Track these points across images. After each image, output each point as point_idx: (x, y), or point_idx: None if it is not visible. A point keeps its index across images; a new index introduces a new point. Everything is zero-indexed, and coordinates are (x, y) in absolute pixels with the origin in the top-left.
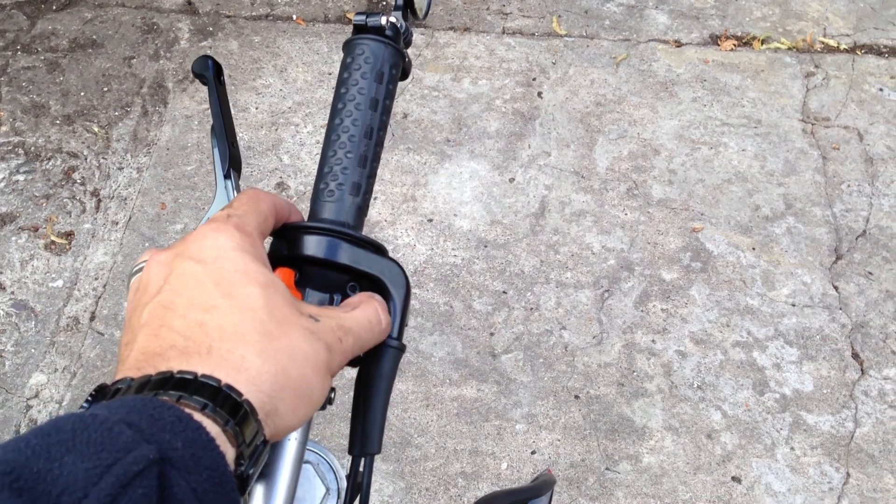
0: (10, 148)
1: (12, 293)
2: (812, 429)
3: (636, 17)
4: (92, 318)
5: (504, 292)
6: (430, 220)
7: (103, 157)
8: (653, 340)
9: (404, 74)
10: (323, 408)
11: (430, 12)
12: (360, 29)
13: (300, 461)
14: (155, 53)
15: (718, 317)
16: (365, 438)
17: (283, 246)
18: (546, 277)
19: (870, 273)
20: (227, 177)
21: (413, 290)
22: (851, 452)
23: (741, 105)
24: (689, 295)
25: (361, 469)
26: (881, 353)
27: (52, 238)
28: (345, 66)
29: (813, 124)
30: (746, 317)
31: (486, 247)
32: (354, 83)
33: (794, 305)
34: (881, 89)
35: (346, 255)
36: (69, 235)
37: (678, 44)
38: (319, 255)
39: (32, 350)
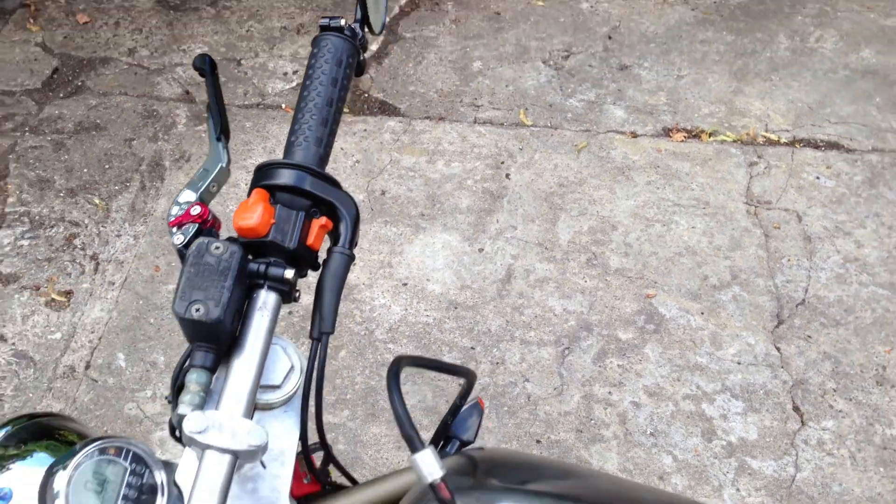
0: (16, 216)
1: (13, 344)
2: (756, 472)
3: (596, 111)
4: (87, 367)
5: (472, 348)
6: (405, 284)
7: (103, 226)
8: (609, 392)
9: (360, 70)
10: (291, 300)
11: (384, 30)
12: (324, 28)
13: (270, 333)
14: (154, 136)
15: (670, 372)
16: (321, 321)
17: (263, 177)
18: (511, 336)
19: (809, 336)
20: (218, 139)
21: (387, 345)
22: (793, 494)
23: (691, 188)
24: (643, 353)
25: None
26: (820, 406)
27: (53, 296)
28: (312, 55)
29: (756, 206)
30: (696, 373)
31: (456, 308)
32: (319, 67)
33: (739, 363)
34: (818, 177)
35: (311, 184)
36: (69, 294)
37: (634, 135)
38: (290, 183)
39: (30, 395)
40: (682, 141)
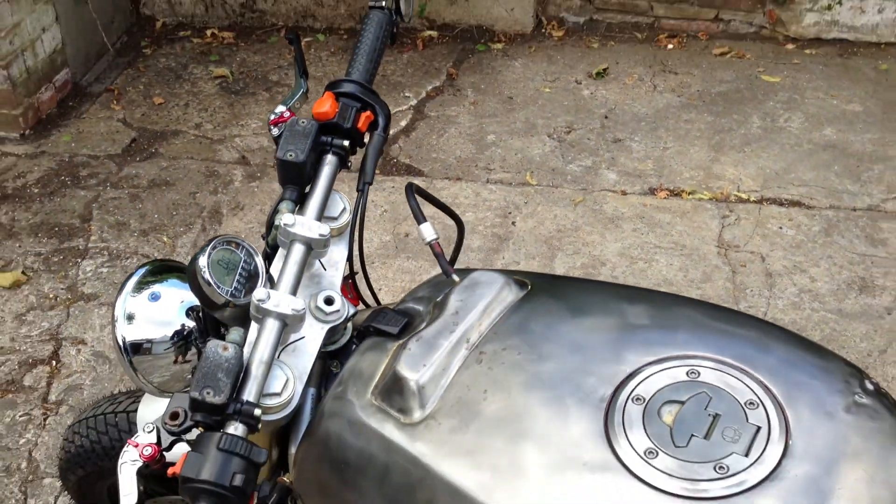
0: (97, 250)
1: (92, 346)
2: None
3: (592, 174)
4: None
5: None
6: None
7: (170, 258)
8: None
9: (392, 39)
10: (345, 166)
11: (411, 19)
12: (371, 7)
13: (331, 182)
14: (214, 190)
15: None
16: (364, 175)
17: (333, 86)
18: None
19: None
20: (301, 76)
21: None
22: None
23: (670, 235)
24: None
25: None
26: None
27: None
28: (363, 22)
29: (726, 249)
30: None
31: None
32: (368, 25)
33: None
34: (781, 227)
35: (361, 91)
36: None
37: (624, 193)
38: (349, 90)
39: (105, 384)
40: (665, 198)
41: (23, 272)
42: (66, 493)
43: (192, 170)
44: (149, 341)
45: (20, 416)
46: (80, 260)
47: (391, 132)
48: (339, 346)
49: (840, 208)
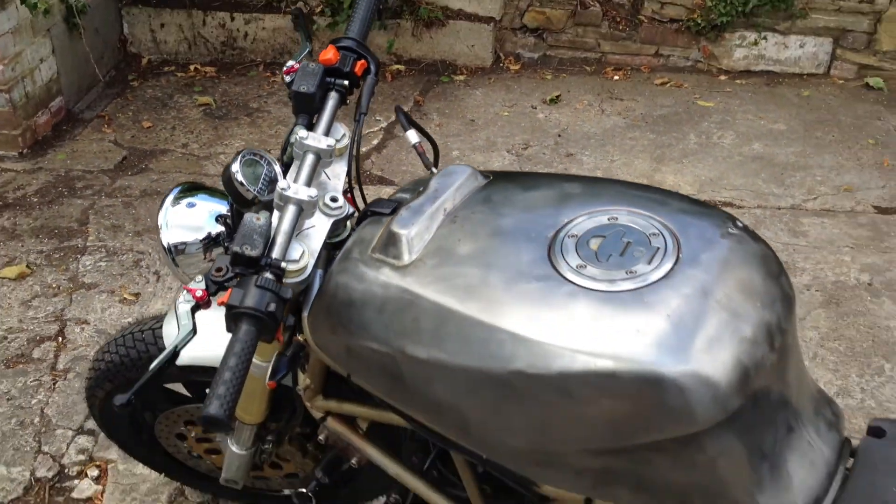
0: (95, 248)
1: (95, 325)
2: None
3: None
4: None
5: None
6: None
7: (161, 255)
8: None
9: (380, 15)
10: (345, 102)
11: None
12: None
13: (335, 112)
14: None
15: None
16: (360, 107)
17: (335, 41)
18: None
19: None
20: (307, 40)
21: None
22: None
23: None
24: None
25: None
26: None
27: (125, 296)
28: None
29: None
30: None
31: None
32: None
33: None
34: None
35: (357, 45)
36: (137, 295)
37: None
38: (347, 44)
39: None
40: None
41: (27, 266)
42: (89, 419)
43: (181, 182)
44: (185, 243)
45: (31, 382)
46: (79, 256)
47: (363, 150)
48: (341, 238)
49: (766, 207)
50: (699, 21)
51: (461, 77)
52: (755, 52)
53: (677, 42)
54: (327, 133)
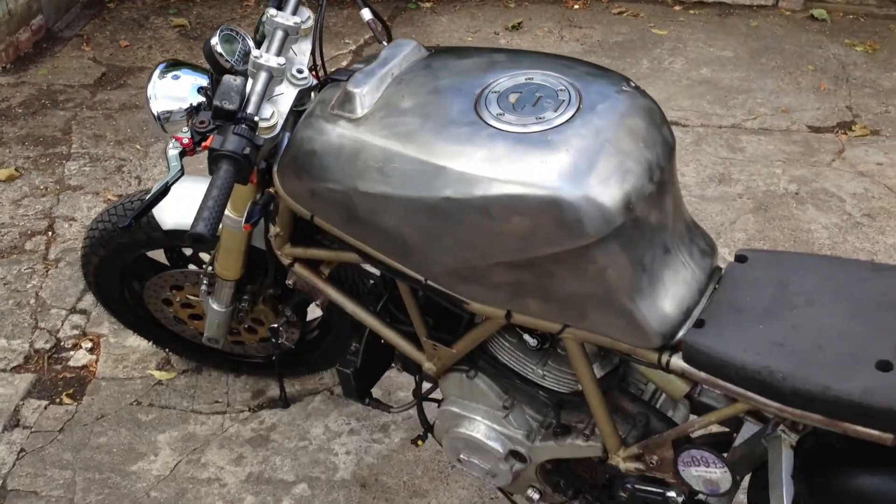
0: (79, 154)
1: (82, 222)
2: None
3: None
4: None
5: None
6: None
7: (142, 161)
8: None
9: None
10: None
11: None
12: None
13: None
14: None
15: None
16: None
17: None
18: None
19: None
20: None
21: None
22: None
23: None
24: None
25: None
26: None
27: (109, 197)
28: None
29: None
30: None
31: None
32: None
33: None
34: None
35: None
36: (120, 195)
37: None
38: None
39: None
40: None
41: (15, 170)
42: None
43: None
44: (171, 111)
45: (25, 270)
46: (64, 161)
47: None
48: (306, 108)
49: (709, 126)
50: None
51: (428, 4)
52: None
53: None
54: (294, 13)
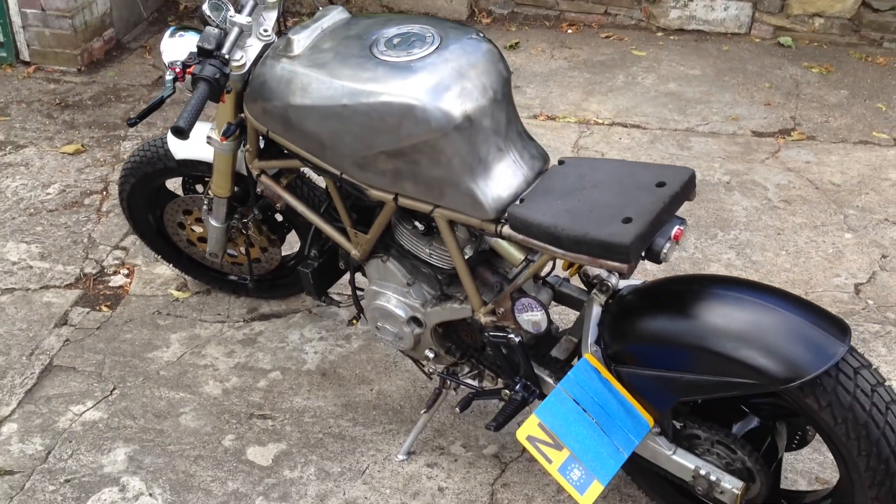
0: (134, 136)
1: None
2: None
3: None
4: None
5: None
6: None
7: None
8: None
9: None
10: None
11: None
12: None
13: None
14: None
15: None
16: None
17: None
18: None
19: None
20: None
21: None
22: None
23: (541, 140)
24: None
25: None
26: None
27: None
28: None
29: (578, 149)
30: None
31: None
32: None
33: None
34: (620, 138)
35: None
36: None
37: None
38: None
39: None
40: (543, 120)
41: (81, 146)
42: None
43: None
44: (176, 61)
45: (82, 218)
46: (121, 141)
47: None
48: None
49: (665, 129)
50: None
51: None
52: (687, 13)
53: (622, 3)
54: None
